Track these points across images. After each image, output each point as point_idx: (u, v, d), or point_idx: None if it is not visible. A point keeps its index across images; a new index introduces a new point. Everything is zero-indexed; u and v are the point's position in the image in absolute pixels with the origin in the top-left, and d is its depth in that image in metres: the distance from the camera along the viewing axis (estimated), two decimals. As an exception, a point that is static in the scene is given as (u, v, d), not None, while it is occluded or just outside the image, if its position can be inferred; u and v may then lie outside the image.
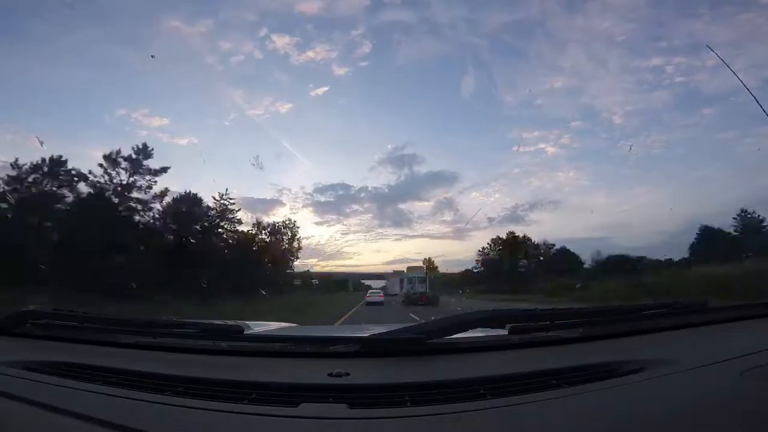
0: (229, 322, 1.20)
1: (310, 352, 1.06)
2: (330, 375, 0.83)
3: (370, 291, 26.72)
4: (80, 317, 1.27)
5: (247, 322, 1.32)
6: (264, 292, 22.40)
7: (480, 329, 1.09)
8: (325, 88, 59.34)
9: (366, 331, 1.23)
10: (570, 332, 1.06)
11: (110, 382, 0.85)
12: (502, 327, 1.07)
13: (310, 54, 55.07)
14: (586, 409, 0.67)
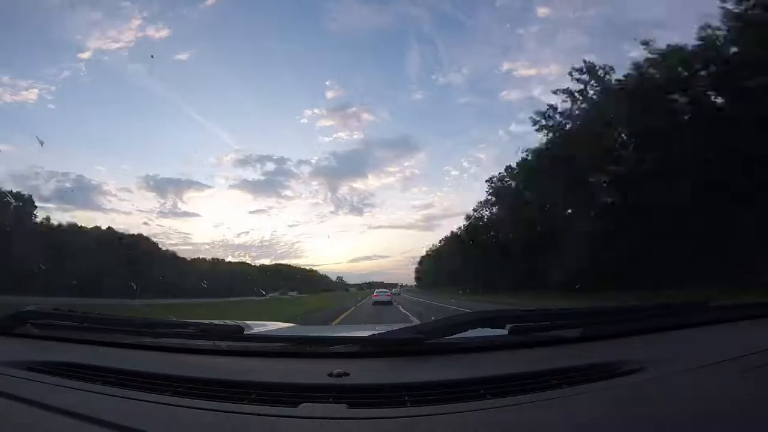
0: (229, 322, 1.20)
1: (310, 352, 1.06)
2: (330, 375, 0.83)
3: (377, 290, 27.92)
4: (80, 317, 1.27)
5: (247, 322, 1.32)
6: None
7: (480, 329, 1.09)
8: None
9: (366, 331, 1.23)
10: (570, 332, 1.06)
11: (110, 382, 0.85)
12: (502, 327, 1.07)
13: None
14: (586, 409, 0.67)
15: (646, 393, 0.71)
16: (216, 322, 1.22)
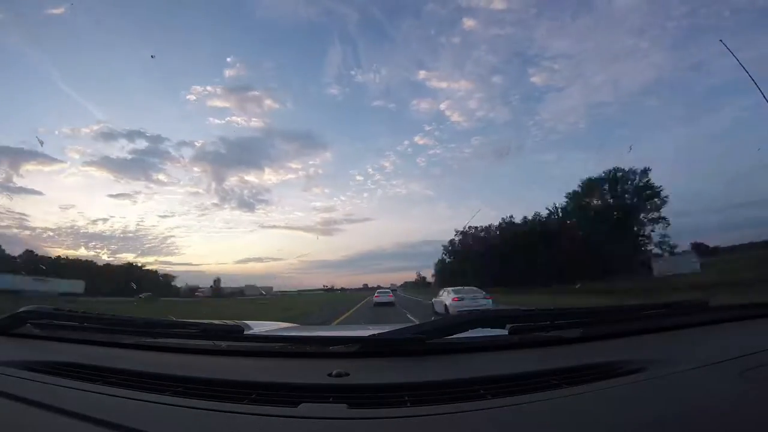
0: (229, 323, 1.20)
1: (310, 352, 1.06)
2: (330, 375, 0.83)
3: (378, 291, 26.66)
4: (80, 317, 1.27)
5: (246, 322, 1.32)
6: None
7: (480, 329, 1.09)
8: None
9: (366, 331, 1.23)
10: (570, 332, 1.06)
11: (110, 382, 0.85)
12: (502, 327, 1.07)
13: None
14: (586, 409, 0.66)
15: (646, 393, 0.71)
16: (216, 322, 1.22)
